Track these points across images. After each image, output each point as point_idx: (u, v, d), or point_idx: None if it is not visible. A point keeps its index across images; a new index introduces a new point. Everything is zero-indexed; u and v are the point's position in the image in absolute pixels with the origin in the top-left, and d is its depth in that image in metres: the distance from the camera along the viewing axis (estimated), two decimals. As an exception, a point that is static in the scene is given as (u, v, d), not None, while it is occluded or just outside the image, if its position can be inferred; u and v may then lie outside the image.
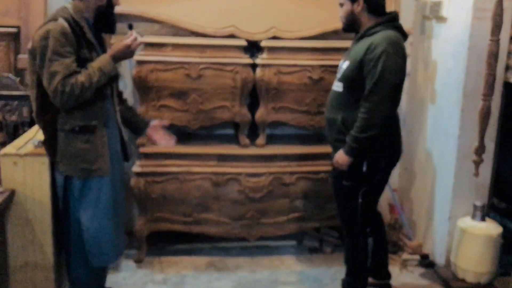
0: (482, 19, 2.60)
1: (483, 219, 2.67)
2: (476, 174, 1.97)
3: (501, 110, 2.76)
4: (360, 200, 2.44)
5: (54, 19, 1.99)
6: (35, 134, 2.54)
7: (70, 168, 2.12)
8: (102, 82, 2.05)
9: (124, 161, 2.41)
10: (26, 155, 2.27)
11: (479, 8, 2.61)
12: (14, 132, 2.72)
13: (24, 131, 2.68)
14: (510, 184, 3.30)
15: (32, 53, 2.03)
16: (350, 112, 2.34)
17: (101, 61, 2.06)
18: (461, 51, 2.72)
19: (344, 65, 2.39)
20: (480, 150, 1.93)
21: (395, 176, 3.51)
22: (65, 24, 1.98)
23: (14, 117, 2.70)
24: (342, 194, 2.50)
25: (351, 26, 2.42)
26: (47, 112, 2.08)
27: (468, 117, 2.69)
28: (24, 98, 2.70)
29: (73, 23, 2.01)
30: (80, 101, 2.02)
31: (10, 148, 2.35)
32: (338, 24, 2.59)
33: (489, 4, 2.46)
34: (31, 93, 2.10)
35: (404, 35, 2.39)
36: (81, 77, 1.98)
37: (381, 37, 2.26)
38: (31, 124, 2.73)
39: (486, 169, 2.77)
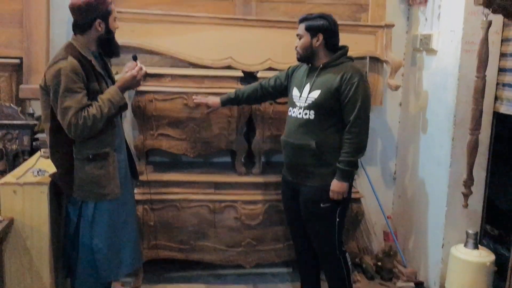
0: (470, 51, 2.70)
1: (476, 246, 2.70)
2: (465, 206, 2.02)
3: (491, 139, 2.83)
4: (337, 219, 2.53)
5: (64, 57, 2.11)
6: (35, 162, 2.59)
7: (85, 193, 2.23)
8: (112, 112, 2.18)
9: (134, 179, 2.55)
10: (25, 184, 2.30)
11: (467, 41, 2.71)
12: (14, 160, 2.76)
13: (24, 160, 2.72)
14: (502, 211, 3.34)
15: (45, 89, 2.16)
16: (323, 136, 2.47)
17: (110, 92, 2.20)
18: (451, 82, 2.81)
19: (313, 94, 2.48)
20: (468, 182, 1.98)
21: (389, 203, 3.57)
22: (75, 62, 2.10)
23: (14, 146, 2.74)
24: (320, 217, 2.55)
25: (306, 58, 2.54)
26: (62, 144, 2.19)
27: (459, 145, 2.75)
28: (25, 127, 2.75)
29: (82, 59, 2.14)
30: (93, 132, 2.15)
31: (10, 177, 2.38)
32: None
33: (477, 37, 2.54)
34: (45, 126, 2.23)
35: None
36: (93, 110, 2.11)
37: (350, 68, 2.46)
38: (31, 152, 2.78)
39: (478, 196, 2.83)
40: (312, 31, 2.47)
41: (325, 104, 2.45)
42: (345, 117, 2.44)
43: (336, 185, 2.45)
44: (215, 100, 2.76)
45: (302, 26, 2.51)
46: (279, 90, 2.72)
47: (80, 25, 2.18)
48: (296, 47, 2.54)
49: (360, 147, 2.44)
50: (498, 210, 3.31)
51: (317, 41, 2.47)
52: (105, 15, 2.19)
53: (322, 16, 2.50)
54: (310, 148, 2.47)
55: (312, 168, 2.51)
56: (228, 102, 2.76)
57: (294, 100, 2.56)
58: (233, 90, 2.79)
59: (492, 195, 3.01)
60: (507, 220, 3.07)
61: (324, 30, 2.46)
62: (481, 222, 2.93)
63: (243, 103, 2.82)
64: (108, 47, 2.26)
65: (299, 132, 2.52)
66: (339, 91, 2.42)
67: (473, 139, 1.94)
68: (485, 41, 1.90)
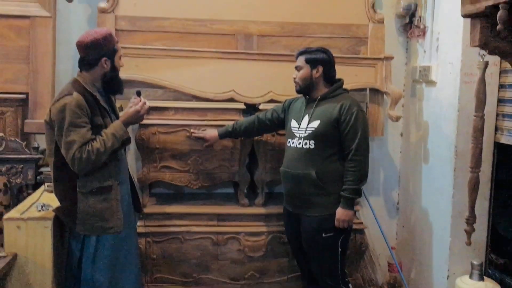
0: (469, 83, 2.73)
1: (481, 278, 2.68)
2: (468, 243, 2.02)
3: (493, 169, 2.84)
4: (339, 249, 2.53)
5: (70, 93, 2.16)
6: (39, 197, 2.61)
7: (88, 227, 2.24)
8: (115, 146, 2.22)
9: (137, 212, 2.56)
10: (29, 219, 2.32)
11: (466, 73, 2.75)
12: (18, 194, 2.77)
13: (28, 194, 2.74)
14: (507, 240, 3.32)
15: (49, 124, 2.20)
16: (323, 166, 2.51)
17: (114, 127, 2.25)
18: (451, 113, 2.84)
19: (312, 124, 2.53)
20: (471, 220, 1.99)
21: (393, 233, 3.55)
22: (80, 97, 2.15)
23: (19, 180, 2.76)
24: (322, 247, 2.55)
25: (305, 89, 2.61)
26: (66, 178, 2.21)
27: (461, 176, 2.76)
28: (29, 161, 2.78)
29: (87, 94, 2.19)
30: (96, 166, 2.18)
31: (14, 212, 2.40)
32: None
33: (476, 69, 2.58)
34: (50, 161, 2.26)
35: None
36: (96, 144, 2.15)
37: (348, 99, 2.54)
38: (35, 186, 2.79)
39: (482, 226, 2.82)
40: (312, 63, 2.56)
41: (325, 133, 2.50)
42: (346, 146, 2.48)
43: (342, 213, 2.47)
44: (212, 134, 2.80)
45: (301, 58, 2.59)
46: (276, 123, 2.77)
47: (87, 62, 2.23)
48: (294, 78, 2.61)
49: (363, 175, 2.49)
50: (503, 239, 3.29)
51: (317, 72, 2.56)
52: (111, 53, 2.25)
53: (321, 50, 2.61)
54: (310, 178, 2.50)
55: (313, 198, 2.53)
56: (225, 135, 2.81)
57: (293, 131, 2.61)
58: (231, 123, 2.83)
59: (496, 223, 3.00)
60: (512, 249, 3.05)
61: (324, 62, 2.56)
62: (486, 252, 2.91)
63: (240, 136, 2.85)
64: (113, 84, 2.31)
65: (299, 162, 2.55)
66: (338, 121, 2.48)
67: (474, 177, 1.95)
68: (482, 81, 1.94)
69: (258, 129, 2.81)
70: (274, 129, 2.86)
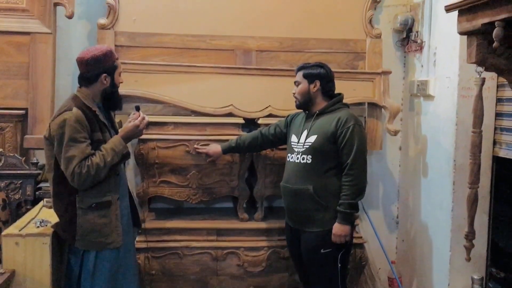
0: (467, 97, 2.75)
1: (482, 292, 2.67)
2: (468, 260, 2.01)
3: (492, 183, 2.84)
4: (339, 264, 2.51)
5: (69, 108, 2.17)
6: (38, 212, 2.60)
7: (87, 243, 2.24)
8: (115, 161, 2.23)
9: (135, 227, 2.56)
10: (28, 235, 2.31)
11: (463, 87, 2.77)
12: (17, 210, 2.76)
13: (27, 209, 2.73)
14: (507, 253, 3.31)
15: (49, 140, 2.21)
16: (320, 181, 2.51)
17: (113, 142, 2.26)
18: (449, 127, 2.85)
19: (310, 139, 2.54)
20: (470, 236, 1.98)
21: (393, 247, 3.54)
22: (79, 113, 2.16)
23: (17, 195, 2.76)
24: (322, 263, 2.53)
25: (304, 104, 2.63)
26: (65, 194, 2.22)
27: (460, 189, 2.76)
28: (28, 176, 2.77)
29: (86, 109, 2.20)
30: (96, 181, 2.18)
31: (12, 228, 2.39)
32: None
33: (473, 83, 2.60)
34: (49, 176, 2.26)
35: None
36: (96, 159, 2.15)
37: (345, 113, 2.54)
38: (34, 202, 2.78)
39: (482, 240, 2.82)
40: (309, 78, 2.58)
41: (321, 148, 2.50)
42: (343, 161, 2.48)
43: (339, 228, 2.46)
44: (216, 150, 2.81)
45: (300, 74, 2.62)
46: (279, 138, 2.78)
47: (86, 78, 2.25)
48: (294, 94, 2.63)
49: (359, 189, 2.48)
50: (503, 253, 3.28)
51: (314, 87, 2.57)
52: (111, 70, 2.28)
53: (318, 65, 2.63)
54: (308, 193, 2.50)
55: (311, 213, 2.52)
56: (229, 150, 2.81)
57: (293, 146, 2.62)
58: (234, 138, 2.84)
59: (496, 237, 3.00)
60: (513, 262, 3.04)
61: (321, 77, 2.58)
62: (486, 266, 2.90)
63: (244, 151, 2.86)
64: (112, 100, 2.33)
65: (297, 177, 2.55)
66: (335, 136, 2.49)
67: (472, 193, 1.96)
68: (479, 97, 1.95)
69: (261, 145, 2.82)
70: (277, 144, 2.86)
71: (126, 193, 2.46)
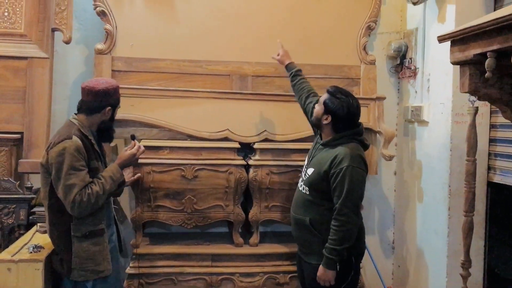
0: (461, 123, 2.78)
1: (479, 320, 2.65)
2: (465, 288, 2.01)
3: (487, 208, 2.85)
4: None
5: (69, 137, 2.18)
6: (31, 237, 2.57)
7: (83, 272, 2.24)
8: (113, 188, 2.28)
9: (119, 252, 2.56)
10: (20, 261, 2.29)
11: (457, 113, 2.80)
12: (10, 234, 2.74)
13: (20, 234, 2.71)
14: (503, 278, 3.30)
15: (45, 167, 2.21)
16: (316, 213, 2.43)
17: (111, 170, 2.31)
18: (443, 152, 2.87)
19: (309, 170, 2.48)
20: (466, 264, 1.98)
21: (389, 273, 3.52)
22: (79, 141, 2.19)
23: (11, 220, 2.73)
24: None
25: (316, 126, 2.57)
26: (61, 222, 2.22)
27: (455, 215, 2.77)
28: (22, 201, 2.76)
29: (84, 138, 2.23)
30: (94, 209, 2.21)
31: (4, 254, 2.37)
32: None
33: (466, 109, 2.65)
34: (44, 203, 2.27)
35: (365, 146, 2.50)
36: (95, 187, 2.19)
37: (344, 151, 2.34)
38: (27, 226, 2.76)
39: (478, 266, 2.81)
40: (326, 107, 2.42)
41: (316, 184, 2.42)
42: (334, 202, 2.35)
43: (322, 272, 2.35)
44: (285, 59, 2.87)
45: (324, 96, 2.46)
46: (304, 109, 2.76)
47: (91, 107, 2.28)
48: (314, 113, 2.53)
49: (345, 237, 2.30)
50: (499, 278, 3.26)
51: (325, 119, 2.43)
52: (115, 104, 2.34)
53: (344, 100, 2.40)
54: (305, 224, 2.45)
55: (310, 244, 2.47)
56: (289, 69, 2.85)
57: (302, 172, 2.57)
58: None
59: (493, 262, 2.99)
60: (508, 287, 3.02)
61: (334, 114, 2.39)
62: (483, 292, 2.89)
63: (293, 86, 2.85)
64: (106, 132, 2.38)
65: (298, 206, 2.53)
66: (328, 174, 2.36)
67: (468, 221, 1.96)
68: (473, 126, 1.97)
69: (300, 98, 2.77)
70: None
71: (112, 220, 2.49)
